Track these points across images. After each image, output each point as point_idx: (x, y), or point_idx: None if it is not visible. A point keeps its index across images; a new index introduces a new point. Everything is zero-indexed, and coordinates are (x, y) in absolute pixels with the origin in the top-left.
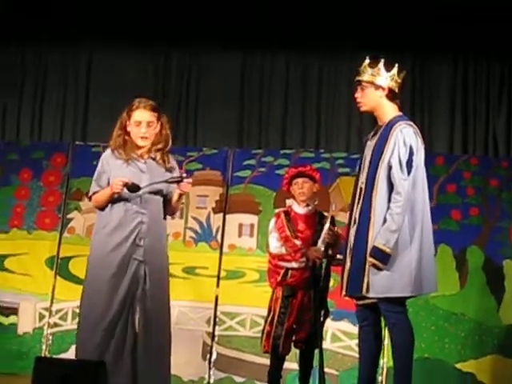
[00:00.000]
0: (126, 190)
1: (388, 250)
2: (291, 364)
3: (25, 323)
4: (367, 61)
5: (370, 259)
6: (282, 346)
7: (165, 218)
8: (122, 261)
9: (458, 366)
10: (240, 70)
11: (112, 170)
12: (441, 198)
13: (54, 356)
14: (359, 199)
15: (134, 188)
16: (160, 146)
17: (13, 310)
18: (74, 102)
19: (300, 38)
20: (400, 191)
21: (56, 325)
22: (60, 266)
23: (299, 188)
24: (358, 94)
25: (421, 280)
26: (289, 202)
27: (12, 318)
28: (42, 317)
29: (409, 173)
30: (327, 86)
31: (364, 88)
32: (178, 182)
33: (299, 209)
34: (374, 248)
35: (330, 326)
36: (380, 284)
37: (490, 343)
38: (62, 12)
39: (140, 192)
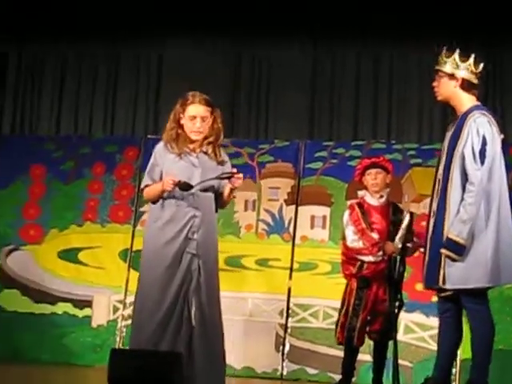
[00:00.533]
0: (177, 189)
1: (461, 241)
2: (365, 356)
3: (99, 316)
4: (444, 50)
5: (443, 251)
6: (357, 338)
7: (216, 211)
8: (175, 254)
9: None
10: (311, 62)
11: (165, 163)
12: None
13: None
14: (437, 190)
15: (185, 187)
16: (211, 139)
17: (87, 303)
18: (145, 96)
19: (371, 29)
20: (473, 181)
21: (130, 317)
22: (133, 259)
23: (372, 179)
24: (435, 83)
25: (499, 270)
26: (361, 193)
27: (86, 311)
28: (115, 309)
29: (482, 163)
30: (398, 77)
31: (440, 77)
32: (229, 177)
33: (373, 200)
34: (448, 239)
35: (403, 317)
36: (456, 275)
37: None
38: (134, 5)
39: (192, 190)
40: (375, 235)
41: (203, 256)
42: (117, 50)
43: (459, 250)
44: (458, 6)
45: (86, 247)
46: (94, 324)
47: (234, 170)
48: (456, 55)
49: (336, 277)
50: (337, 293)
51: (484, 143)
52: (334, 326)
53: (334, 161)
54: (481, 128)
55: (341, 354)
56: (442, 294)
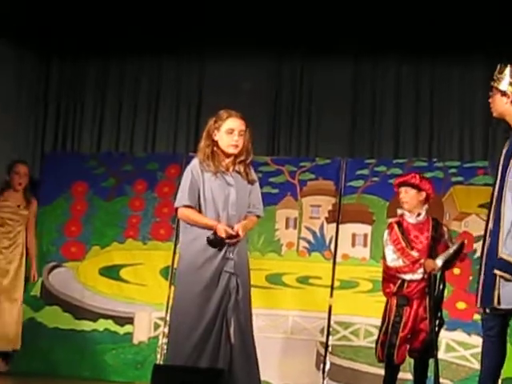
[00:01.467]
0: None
1: (506, 257)
2: (406, 374)
3: (140, 332)
4: (499, 67)
5: (496, 272)
6: (396, 355)
7: None
8: (213, 274)
9: None
10: (352, 79)
11: (204, 182)
12: None
13: None
14: (493, 209)
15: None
16: (243, 157)
17: (128, 320)
18: (187, 113)
19: (412, 46)
20: None
21: None
22: (174, 276)
23: (402, 197)
24: (490, 99)
25: None
26: (399, 211)
27: (127, 328)
28: (156, 326)
29: None
30: (439, 95)
31: (494, 94)
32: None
33: (411, 218)
34: (500, 259)
35: (444, 336)
36: (506, 295)
37: None
38: (176, 20)
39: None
40: (415, 253)
41: (240, 275)
42: (158, 66)
43: (510, 268)
44: (504, 18)
45: (128, 264)
46: (135, 341)
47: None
48: (507, 71)
49: (377, 295)
50: (378, 311)
51: None
52: (374, 344)
53: (376, 179)
54: None
55: (382, 372)
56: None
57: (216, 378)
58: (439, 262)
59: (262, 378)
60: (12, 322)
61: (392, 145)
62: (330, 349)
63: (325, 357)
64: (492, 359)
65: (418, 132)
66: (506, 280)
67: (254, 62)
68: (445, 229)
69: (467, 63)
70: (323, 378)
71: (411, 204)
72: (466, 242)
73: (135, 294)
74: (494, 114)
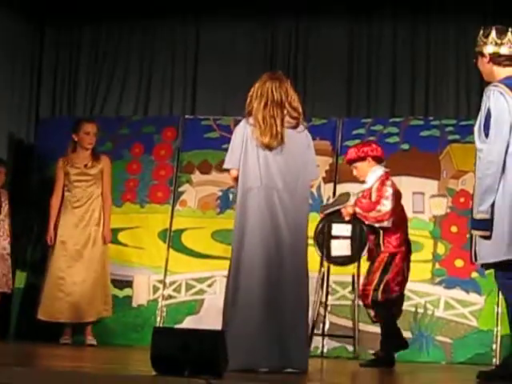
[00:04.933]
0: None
1: (478, 216)
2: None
3: (139, 296)
4: (482, 31)
5: (473, 232)
6: None
7: None
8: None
9: None
10: (347, 39)
11: None
12: None
13: None
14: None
15: None
16: None
17: (127, 283)
18: (183, 76)
19: (407, 5)
20: (479, 155)
21: (170, 297)
22: (173, 239)
23: (355, 175)
24: (478, 65)
25: None
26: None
27: (127, 291)
28: (156, 289)
29: (486, 135)
30: (435, 53)
31: (477, 59)
32: None
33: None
34: (473, 219)
35: (443, 293)
36: (481, 251)
37: None
38: None
39: None
40: None
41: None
42: (153, 29)
43: (482, 226)
44: None
45: (126, 228)
46: (134, 304)
47: None
48: (480, 32)
49: None
50: None
51: (488, 116)
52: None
53: (372, 138)
54: (488, 101)
55: (378, 330)
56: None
57: (216, 339)
58: None
59: None
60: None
61: (388, 104)
62: (329, 308)
63: (324, 317)
64: None
65: (414, 91)
66: (484, 237)
67: (249, 23)
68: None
69: (463, 21)
70: (323, 338)
71: (362, 175)
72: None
73: (133, 257)
74: (485, 78)
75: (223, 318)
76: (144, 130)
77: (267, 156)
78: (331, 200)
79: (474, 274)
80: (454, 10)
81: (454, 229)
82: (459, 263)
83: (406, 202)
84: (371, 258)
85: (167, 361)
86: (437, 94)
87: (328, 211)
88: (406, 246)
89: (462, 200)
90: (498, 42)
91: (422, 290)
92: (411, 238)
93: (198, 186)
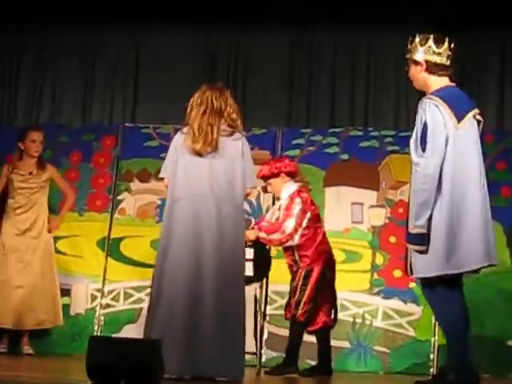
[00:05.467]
0: None
1: (415, 231)
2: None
3: (77, 304)
4: (410, 39)
5: (408, 246)
6: None
7: None
8: None
9: (510, 342)
10: (288, 49)
11: None
12: (490, 176)
13: None
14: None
15: None
16: None
17: (65, 292)
18: (123, 84)
19: (348, 14)
20: (416, 169)
21: (108, 305)
22: (111, 247)
23: (270, 191)
24: (409, 74)
25: (456, 256)
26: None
27: (64, 300)
28: (94, 298)
29: (423, 149)
30: (375, 64)
31: (409, 66)
32: None
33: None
34: (409, 234)
35: (381, 304)
36: (417, 265)
37: None
38: None
39: None
40: None
41: None
42: (94, 36)
43: (420, 240)
44: None
45: (64, 236)
46: (72, 313)
47: None
48: (417, 40)
49: None
50: None
51: (424, 129)
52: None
53: (312, 148)
54: (424, 114)
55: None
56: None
57: (152, 348)
58: None
59: None
60: None
61: (328, 114)
62: (267, 318)
63: (262, 326)
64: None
65: (354, 101)
66: (420, 252)
67: (190, 32)
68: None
69: (404, 32)
70: (261, 348)
71: (277, 191)
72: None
73: (72, 265)
74: (416, 87)
75: (145, 327)
76: (83, 138)
77: (198, 163)
78: None
79: (412, 285)
80: (395, 21)
81: (392, 239)
82: (397, 273)
83: (345, 212)
84: (292, 274)
85: (103, 370)
86: (376, 104)
87: None
88: (325, 259)
89: (400, 210)
90: (436, 50)
91: (361, 300)
92: (350, 248)
93: (137, 195)
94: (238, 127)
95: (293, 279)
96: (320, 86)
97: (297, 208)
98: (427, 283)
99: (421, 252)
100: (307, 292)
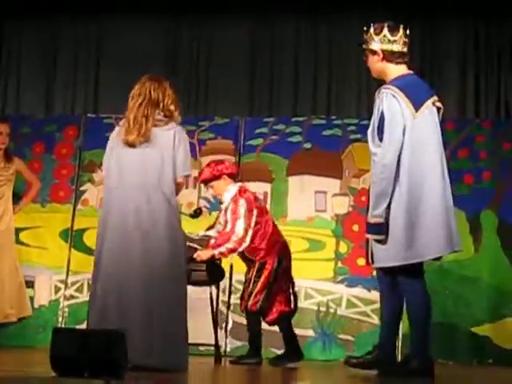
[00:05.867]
0: None
1: (373, 220)
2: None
3: (41, 296)
4: (365, 28)
5: (367, 236)
6: None
7: None
8: None
9: (474, 329)
10: (250, 38)
11: None
12: (452, 164)
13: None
14: None
15: None
16: None
17: (29, 284)
18: (85, 75)
19: (310, 4)
20: (374, 159)
21: (72, 297)
22: (75, 239)
23: (212, 193)
24: (367, 63)
25: (416, 245)
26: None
27: (28, 291)
28: (57, 289)
29: (380, 139)
30: (337, 53)
31: (366, 56)
32: None
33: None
34: (368, 223)
35: (345, 292)
36: (378, 254)
37: (506, 306)
38: None
39: None
40: None
41: None
42: (56, 26)
43: (378, 230)
44: None
45: (27, 227)
46: (36, 305)
47: None
48: (371, 29)
49: None
50: None
51: (381, 119)
52: None
53: (275, 137)
54: (381, 104)
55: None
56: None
57: (116, 339)
58: None
59: None
60: None
61: (291, 103)
62: (231, 307)
63: (227, 316)
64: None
65: (317, 90)
66: (378, 241)
67: (152, 22)
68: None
69: (366, 21)
70: (226, 337)
71: (221, 194)
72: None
73: (35, 257)
74: (374, 76)
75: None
76: (46, 129)
77: (130, 154)
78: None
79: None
80: (357, 10)
81: (355, 227)
82: (361, 262)
83: (309, 201)
84: (247, 266)
85: (67, 362)
86: (339, 93)
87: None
88: (279, 249)
89: (363, 199)
90: (391, 39)
91: (325, 289)
92: (313, 236)
93: (100, 185)
94: (174, 117)
95: (248, 271)
96: (282, 75)
97: (242, 209)
98: (389, 272)
99: (380, 242)
100: (260, 283)
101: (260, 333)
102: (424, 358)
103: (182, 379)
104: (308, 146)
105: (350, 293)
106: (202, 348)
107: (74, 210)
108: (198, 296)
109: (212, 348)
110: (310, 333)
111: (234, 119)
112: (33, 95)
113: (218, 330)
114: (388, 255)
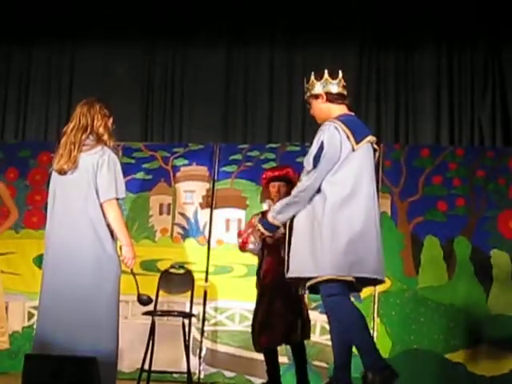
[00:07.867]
0: None
1: (276, 222)
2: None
3: (14, 322)
4: (305, 79)
5: (258, 226)
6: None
7: None
8: None
9: (448, 356)
10: (225, 65)
11: None
12: (426, 190)
13: None
14: None
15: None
16: None
17: None
18: (58, 101)
19: (285, 33)
20: (302, 178)
21: None
22: None
23: (276, 191)
24: (311, 111)
25: (326, 264)
26: (265, 205)
27: None
28: (31, 315)
29: (315, 166)
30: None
31: (310, 103)
32: None
33: None
34: (263, 220)
35: (319, 318)
36: (294, 266)
37: (479, 333)
38: (47, 10)
39: None
40: None
41: None
42: (29, 53)
43: (272, 228)
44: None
45: (1, 253)
46: (9, 331)
47: None
48: (311, 77)
49: (252, 279)
50: (253, 295)
51: (321, 148)
52: (250, 329)
53: (249, 164)
54: (322, 135)
55: (256, 356)
56: None
57: (89, 366)
58: None
59: (135, 364)
60: None
61: (265, 130)
62: (205, 334)
63: (201, 342)
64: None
65: (291, 116)
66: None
67: (126, 48)
68: None
69: (340, 48)
70: (199, 364)
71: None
72: None
73: (8, 283)
74: (319, 121)
75: None
76: (19, 155)
77: (60, 181)
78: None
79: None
80: (330, 36)
81: None
82: None
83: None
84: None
85: None
86: (313, 120)
87: None
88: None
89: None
90: (332, 81)
91: None
92: None
93: None
94: (104, 141)
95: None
96: (257, 101)
97: None
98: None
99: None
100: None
101: None
102: (378, 367)
103: None
104: None
105: (324, 319)
106: (176, 375)
107: None
108: (173, 323)
109: (185, 375)
110: (284, 360)
111: (209, 146)
112: (5, 120)
113: (192, 357)
114: (303, 267)
